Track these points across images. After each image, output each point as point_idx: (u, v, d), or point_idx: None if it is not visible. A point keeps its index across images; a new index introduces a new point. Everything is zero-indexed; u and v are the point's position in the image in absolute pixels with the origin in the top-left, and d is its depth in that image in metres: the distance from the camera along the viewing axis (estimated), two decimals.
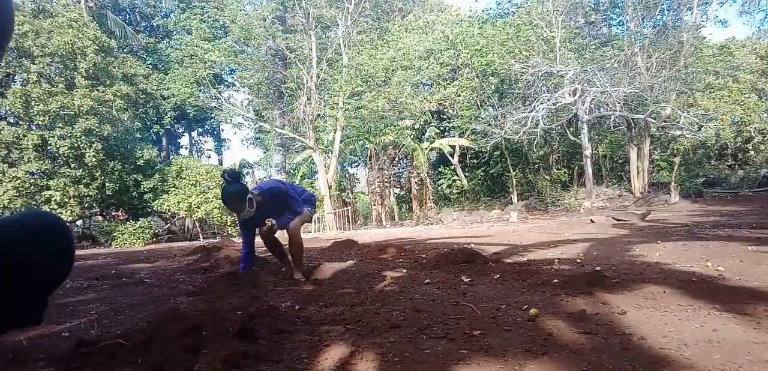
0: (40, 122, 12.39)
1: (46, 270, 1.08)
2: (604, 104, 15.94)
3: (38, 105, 12.01)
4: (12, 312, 1.01)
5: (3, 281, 0.93)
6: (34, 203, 12.16)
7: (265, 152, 27.23)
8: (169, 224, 15.56)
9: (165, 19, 22.07)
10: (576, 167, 19.67)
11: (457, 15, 21.02)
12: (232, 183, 3.25)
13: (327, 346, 1.61)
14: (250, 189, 3.35)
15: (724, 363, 1.32)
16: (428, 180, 20.17)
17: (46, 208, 12.24)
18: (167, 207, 14.09)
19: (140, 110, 16.32)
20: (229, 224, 14.79)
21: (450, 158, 20.65)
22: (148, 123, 18.48)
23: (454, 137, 20.04)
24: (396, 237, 8.82)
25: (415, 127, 19.94)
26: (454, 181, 20.85)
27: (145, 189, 14.30)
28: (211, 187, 14.33)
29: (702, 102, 16.86)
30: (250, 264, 3.58)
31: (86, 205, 13.92)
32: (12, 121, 12.81)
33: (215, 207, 13.73)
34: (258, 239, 3.66)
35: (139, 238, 12.99)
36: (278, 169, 18.63)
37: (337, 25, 16.63)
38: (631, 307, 2.03)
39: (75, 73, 12.79)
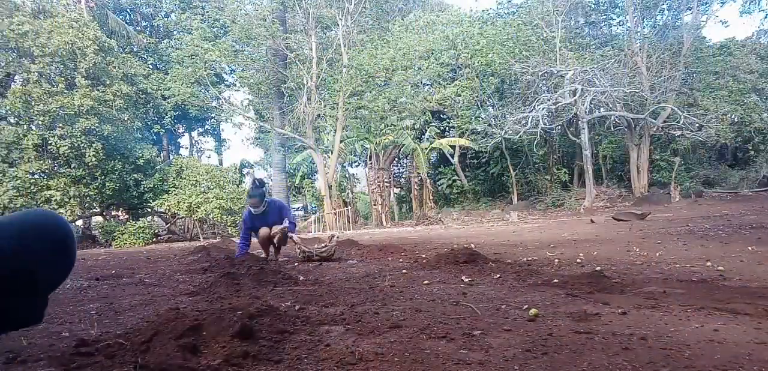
0: (40, 122, 12.38)
1: (48, 271, 1.08)
2: (604, 104, 15.93)
3: (38, 105, 12.00)
4: (13, 313, 1.01)
5: (5, 284, 0.93)
6: (34, 203, 12.16)
7: (265, 152, 27.22)
8: (169, 225, 15.55)
9: (165, 19, 22.06)
10: (576, 167, 19.66)
11: (457, 15, 21.00)
12: (260, 187, 4.99)
13: (327, 346, 1.61)
14: (266, 196, 4.98)
15: (724, 363, 1.32)
16: (428, 180, 20.18)
17: (46, 208, 12.23)
18: (167, 207, 14.07)
19: (140, 109, 16.31)
20: (229, 224, 14.78)
21: (450, 158, 20.63)
22: (148, 123, 18.47)
23: (454, 137, 20.03)
24: (396, 237, 8.82)
25: (415, 127, 19.93)
26: (454, 181, 20.83)
27: (145, 189, 14.29)
28: (211, 187, 14.32)
29: (702, 102, 16.84)
30: (245, 252, 4.85)
31: (86, 205, 13.91)
32: (12, 121, 12.81)
33: (215, 207, 13.72)
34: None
35: (139, 238, 12.98)
36: (278, 169, 18.60)
37: (337, 25, 16.62)
38: (631, 307, 2.03)
39: (75, 73, 12.79)
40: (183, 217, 14.86)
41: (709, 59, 18.26)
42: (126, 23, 19.21)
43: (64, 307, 2.68)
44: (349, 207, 19.43)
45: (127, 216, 15.48)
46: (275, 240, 5.05)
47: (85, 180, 13.11)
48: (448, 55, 18.22)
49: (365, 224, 19.12)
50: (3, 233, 0.99)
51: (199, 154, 27.38)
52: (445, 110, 19.93)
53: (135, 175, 14.28)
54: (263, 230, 4.97)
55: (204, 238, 13.86)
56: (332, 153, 17.34)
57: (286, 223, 4.96)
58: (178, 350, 1.46)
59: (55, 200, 12.37)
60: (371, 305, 2.33)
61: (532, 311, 1.98)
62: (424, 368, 1.37)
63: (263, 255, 5.13)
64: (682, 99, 17.12)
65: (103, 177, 13.42)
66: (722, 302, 2.02)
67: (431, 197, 19.87)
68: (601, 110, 16.23)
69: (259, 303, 2.30)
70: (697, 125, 15.88)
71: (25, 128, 12.37)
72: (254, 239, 5.24)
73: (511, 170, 19.25)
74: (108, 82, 13.49)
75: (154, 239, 13.74)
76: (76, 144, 12.49)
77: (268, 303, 2.23)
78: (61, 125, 12.41)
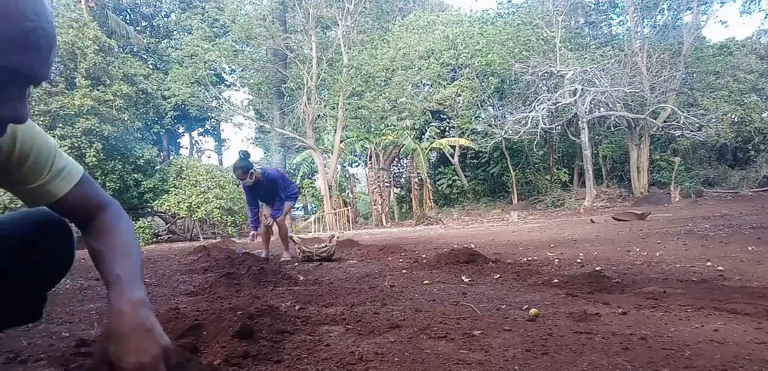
0: (40, 122, 12.39)
1: (48, 268, 1.09)
2: (604, 104, 15.93)
3: (38, 105, 12.01)
4: (12, 309, 1.02)
5: (5, 279, 0.94)
6: None
7: (265, 152, 27.25)
8: (169, 225, 15.55)
9: (165, 19, 22.08)
10: (576, 167, 19.66)
11: (457, 15, 21.01)
12: (244, 159, 4.91)
13: (327, 346, 1.61)
14: (254, 167, 4.89)
15: (724, 363, 1.32)
16: (428, 180, 20.17)
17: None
18: (167, 207, 14.08)
19: (140, 109, 16.33)
20: (229, 224, 14.79)
21: (450, 158, 20.62)
22: (148, 123, 18.49)
23: (454, 137, 20.03)
24: (396, 237, 8.82)
25: (415, 127, 19.93)
26: (454, 181, 20.83)
27: (146, 189, 14.30)
28: (211, 187, 14.32)
29: (702, 102, 16.85)
30: (257, 226, 5.21)
31: None
32: None
33: (216, 207, 13.72)
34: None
35: (139, 238, 12.96)
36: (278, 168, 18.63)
37: (337, 25, 16.63)
38: (631, 307, 2.03)
39: (75, 73, 12.79)
40: (183, 217, 14.87)
41: (709, 59, 18.26)
42: (126, 23, 19.21)
43: (64, 307, 2.68)
44: (349, 207, 19.43)
45: None
46: (273, 230, 5.25)
47: None
48: (448, 55, 18.23)
49: (365, 224, 19.12)
50: (4, 230, 1.00)
51: (199, 154, 27.42)
52: (445, 110, 19.94)
53: (135, 175, 14.28)
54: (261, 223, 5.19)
55: (204, 238, 13.86)
56: (332, 153, 17.34)
57: (269, 220, 5.10)
58: (177, 350, 1.46)
59: None
60: (371, 305, 2.33)
61: (532, 311, 1.98)
62: (424, 368, 1.37)
63: (263, 254, 5.15)
64: (682, 99, 17.12)
65: (103, 177, 13.43)
66: (722, 302, 2.02)
67: (431, 197, 19.87)
68: (601, 109, 16.23)
69: (259, 303, 2.29)
70: (697, 125, 15.88)
71: None
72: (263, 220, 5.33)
73: (511, 170, 19.25)
74: (108, 83, 13.49)
75: (155, 239, 13.75)
76: (76, 144, 12.49)
77: (268, 303, 2.23)
78: (61, 125, 12.41)
